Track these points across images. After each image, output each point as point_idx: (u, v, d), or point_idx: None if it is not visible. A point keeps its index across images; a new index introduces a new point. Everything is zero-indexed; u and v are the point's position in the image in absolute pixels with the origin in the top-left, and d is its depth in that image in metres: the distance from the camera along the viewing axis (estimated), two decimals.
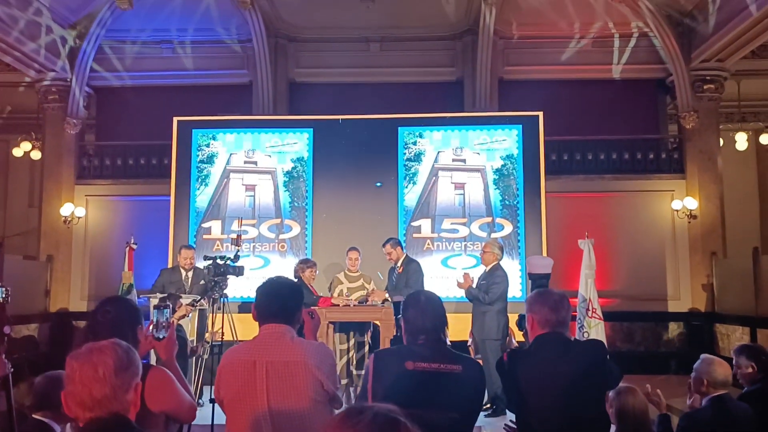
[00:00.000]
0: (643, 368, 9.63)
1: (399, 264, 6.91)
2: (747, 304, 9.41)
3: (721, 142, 11.36)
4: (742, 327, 9.48)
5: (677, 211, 10.68)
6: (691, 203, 10.52)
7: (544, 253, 8.59)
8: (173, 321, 2.62)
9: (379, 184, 9.01)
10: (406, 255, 7.06)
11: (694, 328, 10.47)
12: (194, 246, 8.22)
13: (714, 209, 10.67)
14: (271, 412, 2.39)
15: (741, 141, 12.46)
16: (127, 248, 8.28)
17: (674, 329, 10.63)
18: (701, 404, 3.38)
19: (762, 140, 13.23)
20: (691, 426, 3.27)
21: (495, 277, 6.48)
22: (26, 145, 11.88)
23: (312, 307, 2.88)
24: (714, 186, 10.73)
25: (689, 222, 10.63)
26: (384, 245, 7.15)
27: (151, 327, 2.52)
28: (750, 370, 3.75)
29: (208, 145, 9.25)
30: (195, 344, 6.65)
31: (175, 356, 5.85)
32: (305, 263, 7.09)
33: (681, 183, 10.82)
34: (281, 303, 2.53)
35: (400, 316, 2.83)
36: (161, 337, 2.51)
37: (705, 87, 10.84)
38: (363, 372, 6.45)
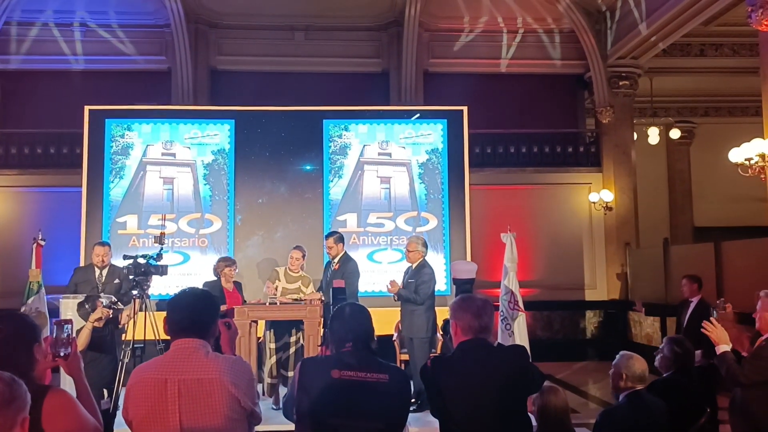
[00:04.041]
0: (562, 356, 9.99)
1: (336, 260, 6.77)
2: (658, 292, 9.87)
3: (635, 136, 11.84)
4: (653, 315, 9.93)
5: (594, 203, 11.06)
6: (607, 195, 10.92)
7: (468, 247, 8.69)
8: (75, 340, 2.44)
9: (309, 167, 8.84)
10: (345, 252, 6.93)
11: (609, 316, 10.92)
12: (108, 242, 7.82)
13: (628, 201, 11.12)
14: None
15: (653, 135, 13.06)
16: (35, 245, 7.76)
17: (591, 317, 11.03)
18: (618, 400, 3.47)
19: (672, 135, 13.90)
20: (609, 422, 3.35)
21: (422, 275, 6.44)
22: None
23: (228, 319, 2.74)
24: (628, 179, 11.18)
25: (605, 214, 11.04)
26: (327, 237, 7.00)
27: (51, 344, 2.33)
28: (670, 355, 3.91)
29: (122, 136, 8.82)
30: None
31: (107, 353, 5.52)
32: (224, 261, 6.82)
33: (598, 176, 11.22)
34: (194, 317, 2.39)
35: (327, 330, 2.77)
36: (62, 354, 2.32)
37: (621, 83, 11.26)
38: (291, 374, 6.36)
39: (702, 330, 3.73)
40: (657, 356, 3.96)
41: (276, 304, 6.35)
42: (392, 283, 6.52)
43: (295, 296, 6.61)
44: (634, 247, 11.03)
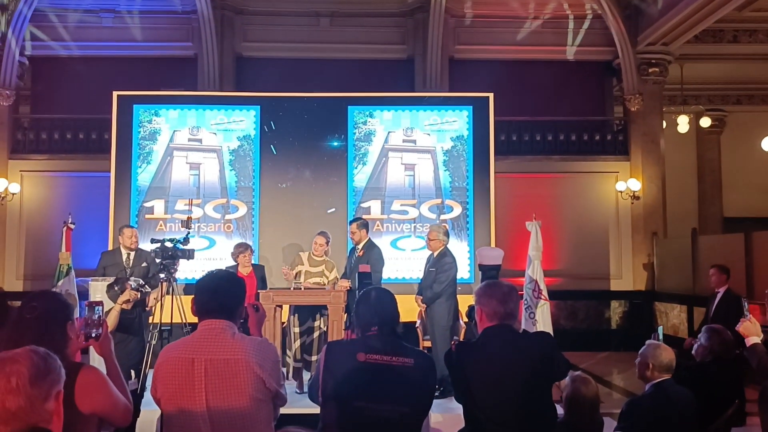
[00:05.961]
0: (586, 345, 9.91)
1: (360, 247, 6.77)
2: (685, 282, 9.73)
3: (664, 124, 11.63)
4: (680, 305, 9.81)
5: (621, 192, 10.92)
6: (635, 185, 10.77)
7: (493, 235, 8.64)
8: (106, 321, 2.48)
9: (336, 143, 8.85)
10: (369, 239, 6.92)
11: (635, 307, 10.79)
12: (136, 226, 7.93)
13: (656, 190, 10.95)
14: (209, 411, 2.29)
15: (683, 124, 12.80)
16: (65, 228, 7.93)
17: (616, 307, 10.92)
18: (644, 390, 3.43)
19: (702, 123, 13.63)
20: (634, 412, 3.32)
21: (443, 264, 6.42)
22: None
23: (257, 302, 2.76)
24: (656, 168, 11.00)
25: (632, 203, 10.90)
26: (350, 223, 7.01)
27: (82, 325, 2.37)
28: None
29: (150, 122, 8.91)
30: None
31: (134, 335, 5.60)
32: (238, 247, 6.88)
33: (625, 165, 11.05)
34: (221, 298, 2.42)
35: (352, 314, 2.79)
36: (94, 335, 2.36)
37: (650, 70, 11.05)
38: (314, 358, 6.41)
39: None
40: (695, 345, 3.98)
41: (300, 289, 6.39)
42: (417, 299, 6.61)
43: (318, 280, 6.64)
44: (662, 237, 10.87)
